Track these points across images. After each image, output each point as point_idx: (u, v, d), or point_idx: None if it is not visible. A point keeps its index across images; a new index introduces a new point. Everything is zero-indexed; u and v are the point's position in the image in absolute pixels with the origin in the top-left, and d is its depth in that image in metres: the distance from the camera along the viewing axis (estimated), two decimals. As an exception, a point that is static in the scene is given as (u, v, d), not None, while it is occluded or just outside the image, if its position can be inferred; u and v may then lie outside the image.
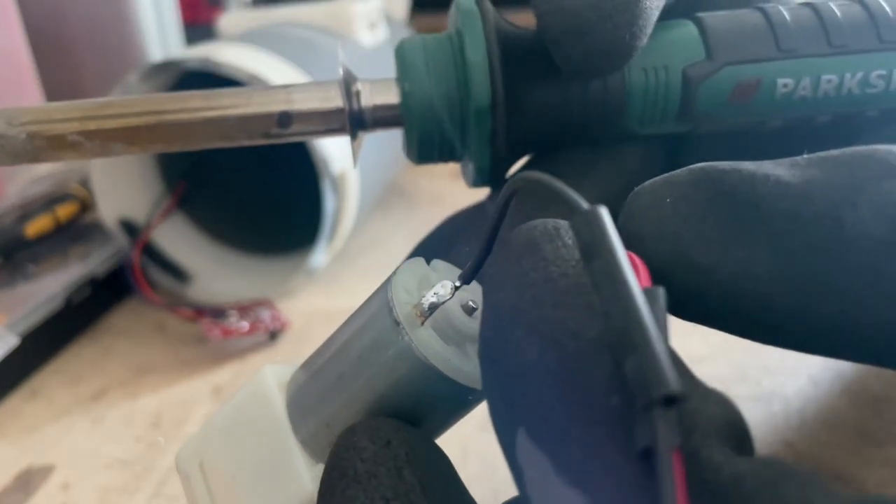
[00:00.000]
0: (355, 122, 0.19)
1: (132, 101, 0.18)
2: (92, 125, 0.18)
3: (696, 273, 0.13)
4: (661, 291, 0.11)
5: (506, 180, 0.13)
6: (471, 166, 0.19)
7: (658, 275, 0.13)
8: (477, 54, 0.17)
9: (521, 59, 0.18)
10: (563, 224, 0.13)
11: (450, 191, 0.50)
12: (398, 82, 0.18)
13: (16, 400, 0.30)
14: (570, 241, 0.12)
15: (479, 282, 0.14)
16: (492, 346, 0.12)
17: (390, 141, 0.43)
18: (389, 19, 0.50)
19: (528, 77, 0.18)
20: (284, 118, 0.18)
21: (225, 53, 0.33)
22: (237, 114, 0.18)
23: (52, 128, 0.18)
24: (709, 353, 0.29)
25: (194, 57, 0.33)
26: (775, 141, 0.19)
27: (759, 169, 0.13)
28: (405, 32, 0.52)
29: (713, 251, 0.13)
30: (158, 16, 0.53)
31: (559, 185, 0.11)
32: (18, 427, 0.29)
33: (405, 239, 0.44)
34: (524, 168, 0.20)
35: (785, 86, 0.17)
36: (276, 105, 0.19)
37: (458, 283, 0.13)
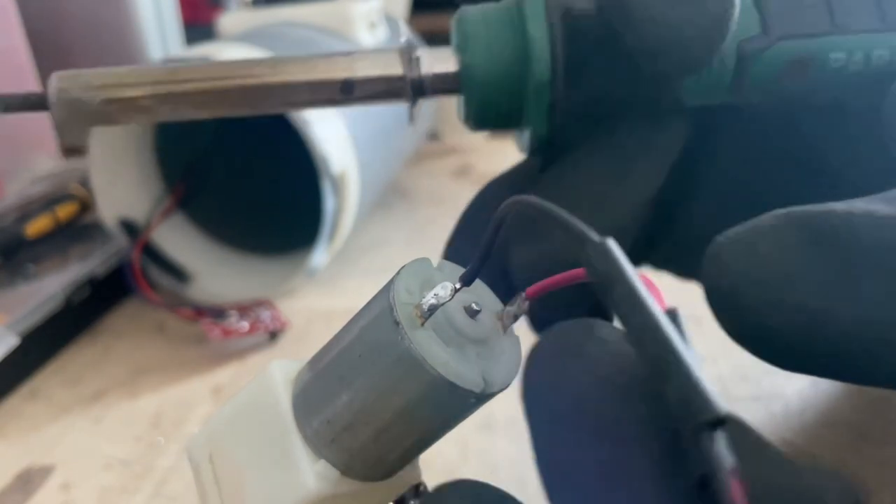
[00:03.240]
0: (415, 89, 0.19)
1: (201, 67, 0.19)
2: (162, 90, 0.19)
3: (811, 318, 0.12)
4: (678, 313, 0.11)
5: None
6: (527, 135, 0.19)
7: (761, 327, 0.12)
8: (538, 29, 0.17)
9: (581, 34, 0.18)
10: (596, 321, 0.12)
11: (450, 191, 0.50)
12: (457, 51, 0.19)
13: (16, 400, 0.30)
14: (608, 336, 0.12)
15: (523, 375, 0.14)
16: (548, 450, 0.12)
17: (390, 141, 0.43)
18: (389, 19, 0.50)
19: (588, 52, 0.18)
20: (348, 85, 0.19)
21: (225, 53, 0.33)
22: (302, 80, 0.19)
23: (125, 92, 0.19)
24: (709, 353, 0.29)
25: (194, 57, 0.33)
26: (824, 116, 0.19)
27: (852, 207, 0.13)
28: (405, 32, 0.52)
29: (828, 294, 0.12)
30: (158, 16, 0.53)
31: (564, 214, 0.11)
32: (18, 427, 0.29)
33: (405, 239, 0.44)
34: (583, 142, 0.20)
35: (837, 61, 0.17)
36: (339, 72, 0.19)
37: (457, 286, 0.13)
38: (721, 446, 0.09)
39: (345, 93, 0.19)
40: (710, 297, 0.13)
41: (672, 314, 0.11)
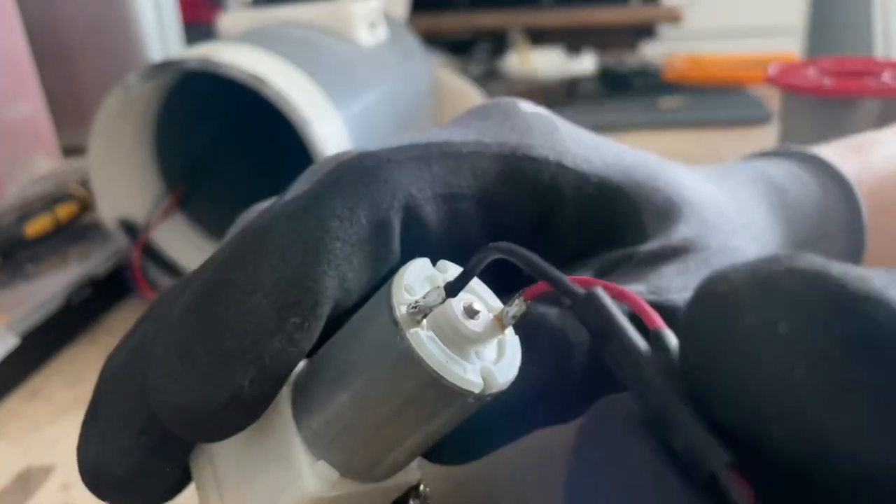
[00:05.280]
0: None
1: None
2: None
3: (837, 466, 0.09)
4: (668, 334, 0.11)
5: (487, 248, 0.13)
6: None
7: (772, 468, 0.10)
8: None
9: None
10: (631, 411, 0.11)
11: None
12: None
13: (16, 400, 0.30)
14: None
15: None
16: None
17: (391, 141, 0.43)
18: (389, 19, 0.50)
19: None
20: None
21: (225, 53, 0.33)
22: None
23: None
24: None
25: (194, 57, 0.33)
26: None
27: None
28: (405, 32, 0.52)
29: (860, 434, 0.09)
30: (158, 16, 0.53)
31: (548, 268, 0.12)
32: (18, 427, 0.29)
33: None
34: None
35: None
36: None
37: (444, 296, 0.13)
38: (736, 494, 0.09)
39: None
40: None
41: (662, 337, 0.11)
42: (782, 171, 0.24)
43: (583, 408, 0.17)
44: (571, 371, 0.16)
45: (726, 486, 0.09)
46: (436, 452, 0.16)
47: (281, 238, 0.14)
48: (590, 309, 0.11)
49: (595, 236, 0.19)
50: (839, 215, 0.23)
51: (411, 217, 0.16)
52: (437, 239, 0.17)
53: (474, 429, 0.15)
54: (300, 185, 0.16)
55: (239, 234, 0.15)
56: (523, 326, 0.15)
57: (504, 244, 0.13)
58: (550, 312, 0.16)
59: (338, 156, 0.16)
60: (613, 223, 0.19)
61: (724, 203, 0.21)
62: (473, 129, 0.18)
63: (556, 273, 0.12)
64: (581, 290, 0.11)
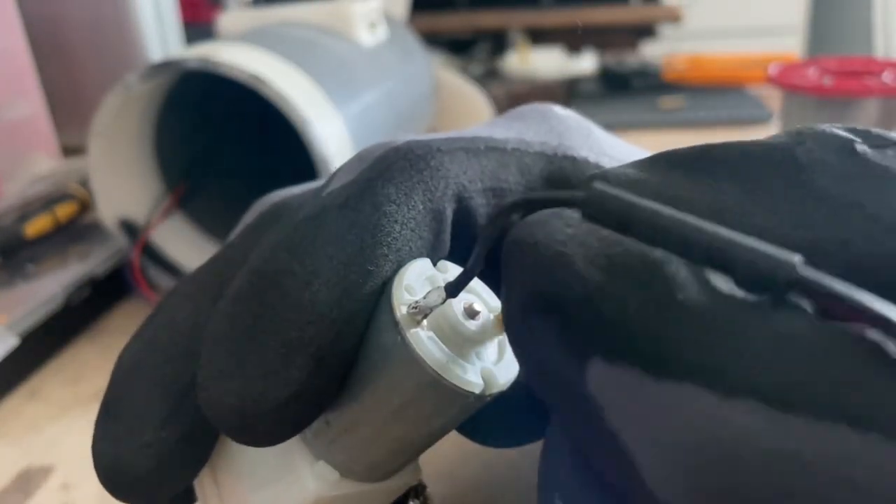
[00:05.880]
0: None
1: None
2: None
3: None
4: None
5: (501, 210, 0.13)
6: None
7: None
8: None
9: None
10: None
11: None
12: None
13: (16, 400, 0.30)
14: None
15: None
16: None
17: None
18: (389, 19, 0.50)
19: None
20: None
21: (225, 53, 0.33)
22: None
23: None
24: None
25: (194, 57, 0.33)
26: None
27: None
28: (405, 32, 0.52)
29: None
30: (158, 16, 0.53)
31: (551, 193, 0.11)
32: (18, 427, 0.29)
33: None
34: None
35: None
36: None
37: (444, 297, 0.13)
38: (816, 274, 0.09)
39: None
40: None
41: None
42: None
43: None
44: None
45: (809, 277, 0.09)
46: (479, 434, 0.15)
47: (335, 226, 0.14)
48: (600, 204, 0.11)
49: None
50: None
51: (462, 208, 0.15)
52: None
53: (516, 412, 0.15)
54: (345, 175, 0.15)
55: (286, 226, 0.14)
56: None
57: (505, 202, 0.12)
58: None
59: (383, 144, 0.16)
60: None
61: None
62: (513, 129, 0.18)
63: (557, 192, 0.12)
64: (581, 193, 0.11)
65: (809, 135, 0.12)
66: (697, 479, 0.09)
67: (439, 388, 0.13)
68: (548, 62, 0.76)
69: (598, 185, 0.11)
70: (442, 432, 0.14)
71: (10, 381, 0.31)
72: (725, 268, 0.10)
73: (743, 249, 0.10)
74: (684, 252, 0.10)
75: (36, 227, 0.37)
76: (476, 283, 0.15)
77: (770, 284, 0.09)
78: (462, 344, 0.13)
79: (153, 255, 0.38)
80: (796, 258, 0.09)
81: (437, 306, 0.13)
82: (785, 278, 0.09)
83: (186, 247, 0.39)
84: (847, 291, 0.09)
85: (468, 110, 0.55)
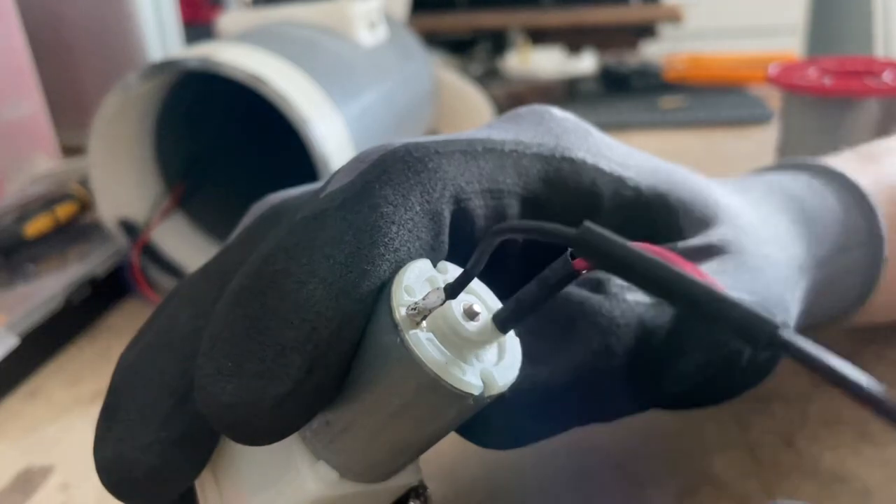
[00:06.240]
0: None
1: None
2: None
3: None
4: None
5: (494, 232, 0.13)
6: None
7: None
8: None
9: None
10: None
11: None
12: None
13: (16, 400, 0.30)
14: None
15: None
16: None
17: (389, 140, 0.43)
18: (389, 19, 0.50)
19: None
20: None
21: (225, 53, 0.33)
22: None
23: None
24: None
25: (194, 57, 0.33)
26: None
27: None
28: (405, 32, 0.52)
29: None
30: (158, 16, 0.53)
31: (547, 225, 0.12)
32: (18, 427, 0.29)
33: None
34: None
35: None
36: None
37: (444, 298, 0.13)
38: (798, 339, 0.10)
39: None
40: None
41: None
42: (800, 185, 0.24)
43: (624, 405, 0.18)
44: (614, 354, 0.16)
45: (788, 339, 0.10)
46: (478, 436, 0.16)
47: (333, 227, 0.14)
48: (589, 243, 0.11)
49: (633, 239, 0.19)
50: (858, 227, 0.23)
51: (460, 210, 0.16)
52: (481, 236, 0.16)
53: (517, 414, 0.15)
54: (343, 177, 0.15)
55: (283, 227, 0.14)
56: (566, 312, 0.15)
57: (504, 224, 0.13)
58: (591, 298, 0.16)
59: (381, 147, 0.16)
60: (652, 227, 0.19)
61: (750, 214, 0.21)
62: (511, 131, 0.18)
63: (552, 226, 0.12)
64: (572, 231, 0.11)
65: None
66: None
67: (438, 390, 0.13)
68: (548, 62, 0.76)
69: (590, 226, 0.11)
70: (442, 433, 0.14)
71: (10, 381, 0.31)
72: (709, 320, 0.10)
73: (730, 306, 0.10)
74: (671, 299, 0.11)
75: (36, 226, 0.37)
76: (476, 285, 0.14)
77: (752, 341, 0.10)
78: (461, 345, 0.13)
79: (153, 255, 0.38)
80: (778, 320, 0.10)
81: (436, 307, 0.13)
82: (766, 339, 0.10)
83: (186, 247, 0.39)
84: (817, 354, 0.10)
85: (468, 110, 0.55)
